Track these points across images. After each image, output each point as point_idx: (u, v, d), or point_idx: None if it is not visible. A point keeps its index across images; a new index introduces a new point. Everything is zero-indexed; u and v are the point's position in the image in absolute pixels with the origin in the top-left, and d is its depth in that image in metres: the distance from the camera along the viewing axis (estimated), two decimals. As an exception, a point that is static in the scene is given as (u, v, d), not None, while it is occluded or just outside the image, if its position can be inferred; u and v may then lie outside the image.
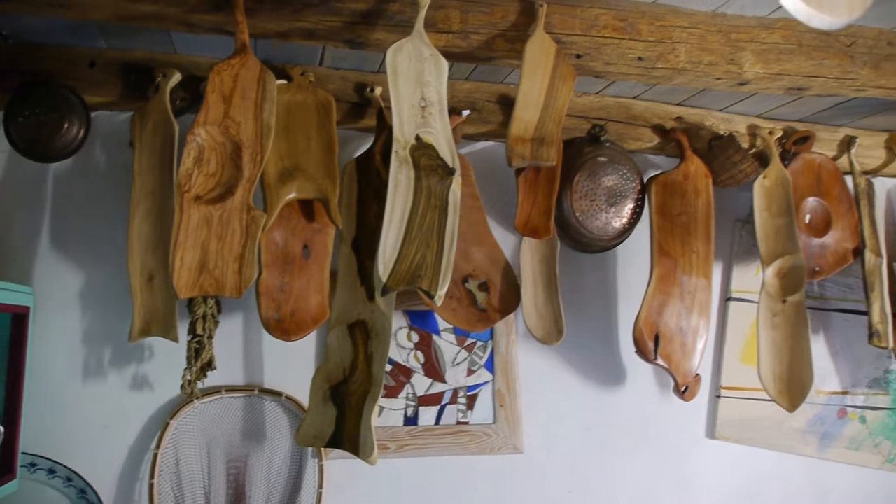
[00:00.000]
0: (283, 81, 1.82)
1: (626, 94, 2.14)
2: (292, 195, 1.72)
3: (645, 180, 2.09)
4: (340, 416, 1.74)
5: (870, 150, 2.34)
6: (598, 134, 2.08)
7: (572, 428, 2.18)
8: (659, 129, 2.18)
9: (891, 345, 2.19)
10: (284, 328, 1.78)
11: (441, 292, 1.48)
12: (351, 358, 1.78)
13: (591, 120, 2.12)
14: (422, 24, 1.52)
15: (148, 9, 1.47)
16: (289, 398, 1.97)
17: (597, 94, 2.13)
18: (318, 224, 1.84)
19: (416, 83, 1.52)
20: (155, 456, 1.87)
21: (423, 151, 1.51)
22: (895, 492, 2.39)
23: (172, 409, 1.91)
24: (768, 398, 2.04)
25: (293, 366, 1.98)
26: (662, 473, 2.23)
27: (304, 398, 1.85)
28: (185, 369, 1.77)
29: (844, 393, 2.37)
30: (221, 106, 1.53)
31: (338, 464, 1.97)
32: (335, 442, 1.73)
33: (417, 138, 1.52)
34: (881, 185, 2.42)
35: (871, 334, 2.15)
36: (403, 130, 1.51)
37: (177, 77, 1.80)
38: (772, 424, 2.27)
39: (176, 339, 1.73)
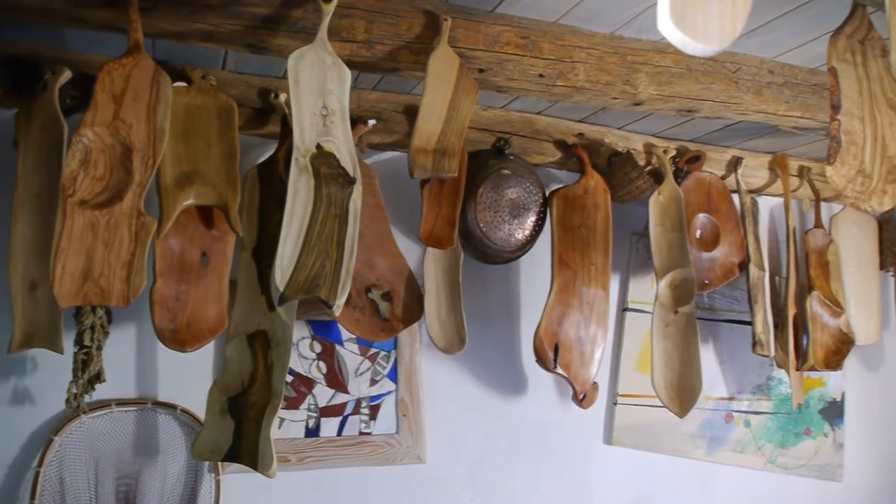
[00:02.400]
0: (182, 84, 1.76)
1: (530, 110, 2.20)
2: (190, 201, 1.67)
3: (547, 193, 2.15)
4: (238, 429, 1.69)
5: (755, 170, 2.49)
6: (502, 147, 2.13)
7: (475, 436, 2.20)
8: (561, 145, 2.24)
9: (772, 353, 2.33)
10: (180, 339, 1.72)
11: (340, 302, 1.47)
12: (250, 369, 1.74)
13: (496, 133, 2.16)
14: (325, 31, 1.51)
15: (32, 1, 1.40)
16: (184, 411, 1.90)
17: (502, 108, 2.18)
18: (218, 231, 1.79)
19: (318, 91, 1.51)
20: (37, 474, 1.77)
21: (323, 160, 1.50)
22: (777, 491, 2.54)
23: (57, 425, 1.81)
24: (661, 404, 2.13)
25: (189, 378, 1.92)
26: (562, 479, 2.29)
27: (200, 411, 1.79)
28: (71, 382, 1.68)
29: (731, 399, 2.51)
30: (111, 107, 1.46)
31: (235, 478, 1.92)
32: (233, 455, 1.68)
33: (318, 147, 1.50)
34: (765, 203, 2.58)
35: (755, 343, 2.28)
36: (304, 138, 1.50)
37: (67, 75, 1.71)
38: (665, 430, 2.38)
39: (61, 351, 1.65)
